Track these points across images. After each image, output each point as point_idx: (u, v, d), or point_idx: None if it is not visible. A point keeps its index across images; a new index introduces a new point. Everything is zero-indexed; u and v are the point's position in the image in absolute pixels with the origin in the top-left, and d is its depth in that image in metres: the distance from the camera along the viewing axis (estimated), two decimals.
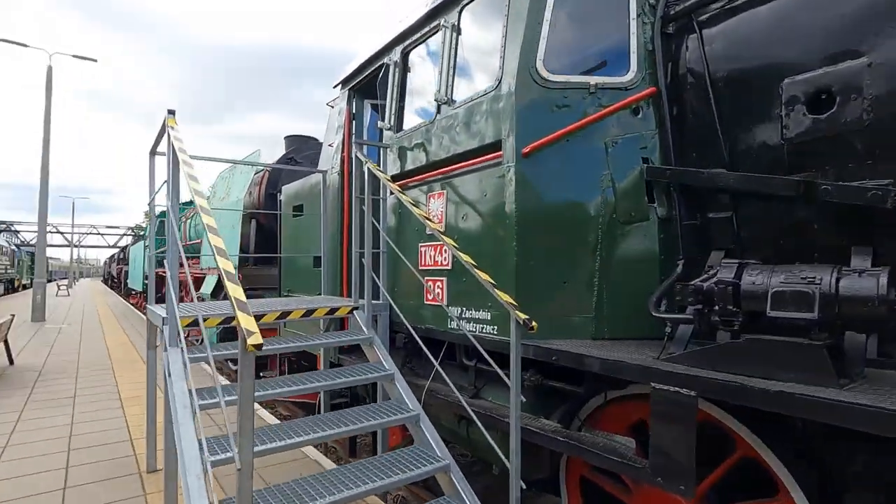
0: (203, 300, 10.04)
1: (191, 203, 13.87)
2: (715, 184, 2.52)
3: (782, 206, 2.41)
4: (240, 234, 8.16)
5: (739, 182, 2.41)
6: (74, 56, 15.90)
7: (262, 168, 9.67)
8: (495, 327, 2.93)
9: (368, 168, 3.58)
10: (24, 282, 41.26)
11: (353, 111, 4.92)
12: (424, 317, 3.56)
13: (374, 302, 3.75)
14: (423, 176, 3.68)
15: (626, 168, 2.79)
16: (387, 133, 4.16)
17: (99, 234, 55.17)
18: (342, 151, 4.79)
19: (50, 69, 15.23)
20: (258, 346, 1.51)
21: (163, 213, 16.92)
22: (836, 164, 2.22)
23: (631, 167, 2.80)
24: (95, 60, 16.22)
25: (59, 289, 31.86)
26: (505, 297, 2.43)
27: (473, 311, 3.11)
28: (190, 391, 2.45)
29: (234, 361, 9.80)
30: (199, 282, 10.08)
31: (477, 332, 3.05)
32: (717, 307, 2.07)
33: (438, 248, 3.42)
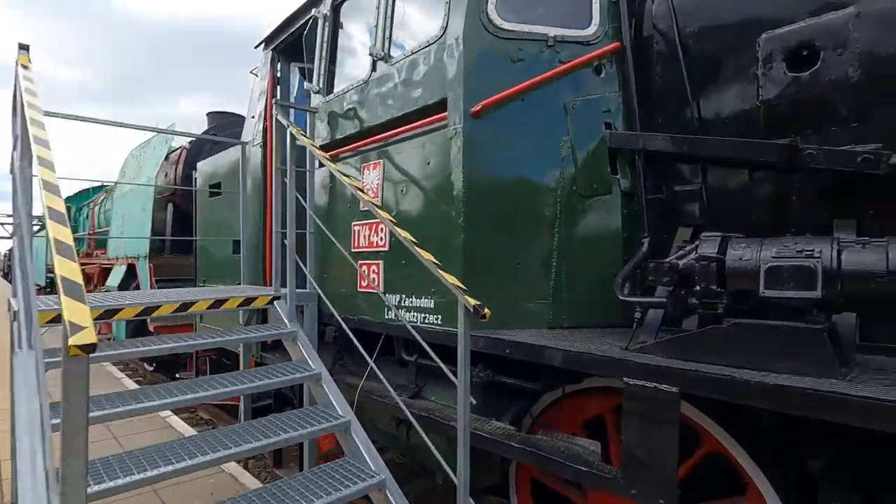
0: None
1: (101, 188, 12.37)
2: (687, 151, 2.23)
3: (757, 175, 2.16)
4: (150, 217, 7.21)
5: (716, 148, 2.14)
6: None
7: (179, 146, 8.69)
8: (439, 317, 2.53)
9: (291, 133, 3.04)
10: None
11: (279, 75, 4.31)
12: (358, 307, 3.10)
13: (299, 291, 3.23)
14: (357, 144, 3.19)
15: (587, 134, 2.47)
16: (315, 97, 3.62)
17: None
18: (264, 120, 4.18)
19: None
20: (87, 348, 1.00)
21: (71, 199, 15.08)
22: (819, 128, 1.99)
23: (593, 133, 2.47)
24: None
25: None
26: (452, 280, 2.02)
27: (414, 299, 2.68)
28: (41, 406, 1.85)
29: (148, 361, 8.78)
30: (110, 273, 8.92)
31: (418, 323, 2.63)
32: (698, 287, 1.77)
33: (374, 226, 2.96)
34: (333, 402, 2.60)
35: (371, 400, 2.93)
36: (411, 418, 2.34)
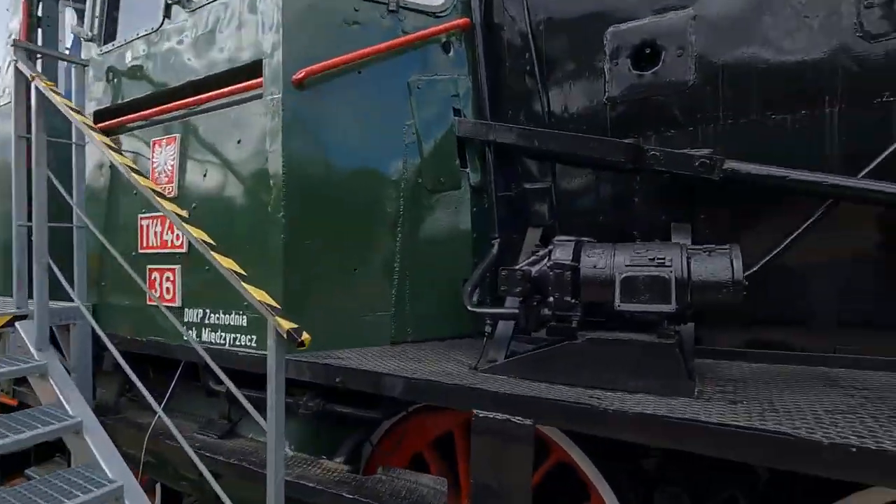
0: None
1: None
2: (537, 146, 2.06)
3: (604, 176, 2.08)
4: None
5: (566, 144, 1.99)
6: None
7: None
8: (253, 337, 1.99)
9: (37, 88, 2.17)
10: None
11: (39, 14, 3.22)
12: (150, 324, 2.37)
13: (58, 305, 2.38)
14: (147, 112, 2.43)
15: (434, 120, 2.16)
16: (89, 46, 2.72)
17: None
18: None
19: None
20: None
21: None
22: (658, 130, 1.96)
23: (440, 119, 2.17)
24: None
25: None
26: (259, 296, 1.53)
27: (222, 315, 2.10)
28: None
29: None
30: None
31: (226, 346, 2.06)
32: (551, 298, 1.57)
33: (169, 221, 2.28)
34: (101, 461, 1.89)
35: (167, 445, 2.26)
36: (206, 473, 1.77)
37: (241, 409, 2.24)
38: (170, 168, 2.28)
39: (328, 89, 1.96)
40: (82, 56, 2.73)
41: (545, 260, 1.64)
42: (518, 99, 2.24)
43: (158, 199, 1.75)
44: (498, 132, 2.12)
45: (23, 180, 2.31)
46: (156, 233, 2.31)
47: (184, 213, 1.80)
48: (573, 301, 1.54)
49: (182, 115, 2.28)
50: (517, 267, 1.69)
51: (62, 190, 2.21)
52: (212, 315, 2.13)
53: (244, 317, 2.01)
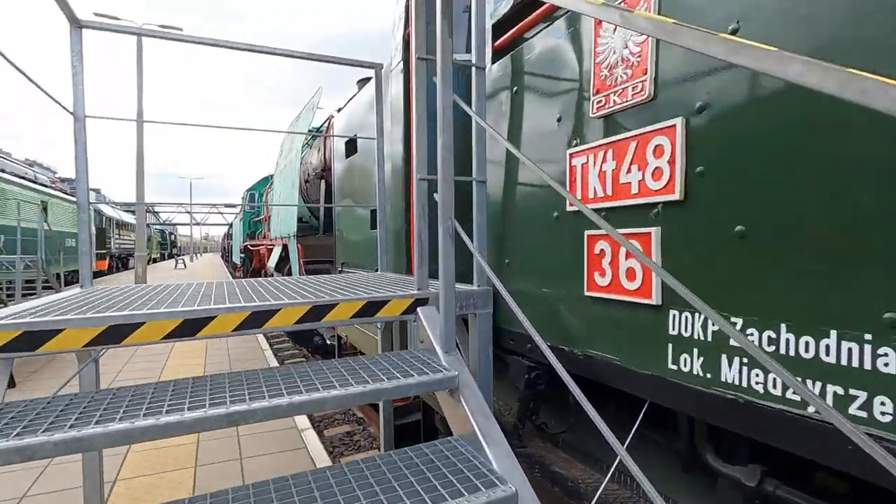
0: (271, 275, 8.81)
1: (273, 176, 12.80)
2: None
3: None
4: (299, 194, 6.54)
5: None
6: (161, 26, 15.59)
7: (328, 115, 8.05)
8: None
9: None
10: (154, 255, 45.54)
11: None
12: (585, 330, 1.45)
13: (463, 288, 1.72)
14: None
15: None
16: None
17: (219, 212, 60.03)
18: (405, 27, 2.76)
19: (140, 43, 15.05)
20: None
21: (254, 186, 16.39)
22: None
23: None
24: (181, 29, 15.87)
25: (176, 263, 34.30)
26: None
27: (793, 338, 0.93)
28: None
29: None
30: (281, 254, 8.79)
31: (780, 403, 0.89)
32: None
33: (636, 147, 1.27)
34: None
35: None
36: None
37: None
38: (637, 52, 1.25)
39: None
40: None
41: None
42: None
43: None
44: None
45: (423, 126, 1.71)
46: (603, 174, 1.35)
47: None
48: None
49: None
50: None
51: (471, 112, 1.47)
52: (764, 330, 0.99)
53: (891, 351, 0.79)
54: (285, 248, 7.26)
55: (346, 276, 2.82)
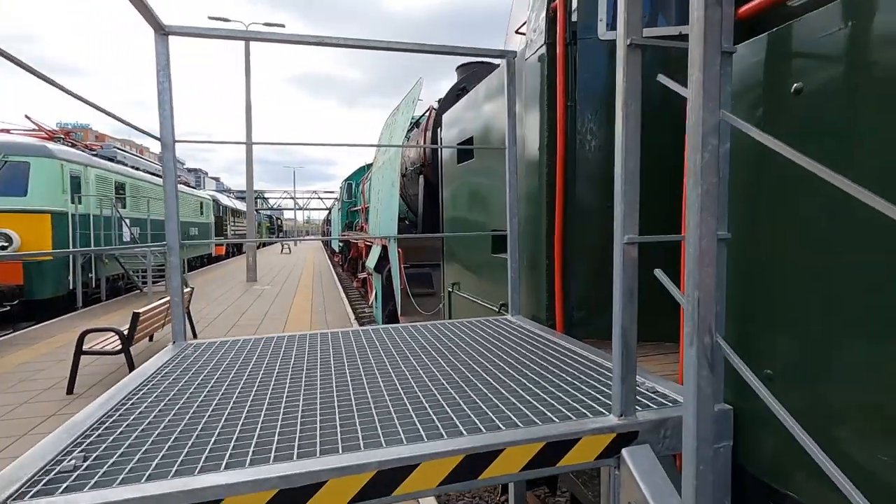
0: (370, 275, 8.68)
1: (370, 166, 12.77)
2: None
3: None
4: (399, 192, 6.17)
5: None
6: (266, 24, 16.23)
7: (429, 107, 7.61)
8: None
9: None
10: (263, 240, 49.45)
11: None
12: None
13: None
14: None
15: None
16: None
17: (319, 198, 63.73)
18: (547, 7, 2.12)
19: (247, 46, 15.79)
20: None
21: (351, 176, 16.70)
22: None
23: None
24: (283, 26, 16.43)
25: (282, 248, 36.71)
26: None
27: None
28: None
29: None
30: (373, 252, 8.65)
31: None
32: None
33: None
34: None
35: None
36: None
37: None
38: None
39: None
40: None
41: None
42: None
43: None
44: None
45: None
46: None
47: None
48: None
49: None
50: None
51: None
52: None
53: None
54: (384, 248, 7.00)
55: (466, 327, 2.27)
